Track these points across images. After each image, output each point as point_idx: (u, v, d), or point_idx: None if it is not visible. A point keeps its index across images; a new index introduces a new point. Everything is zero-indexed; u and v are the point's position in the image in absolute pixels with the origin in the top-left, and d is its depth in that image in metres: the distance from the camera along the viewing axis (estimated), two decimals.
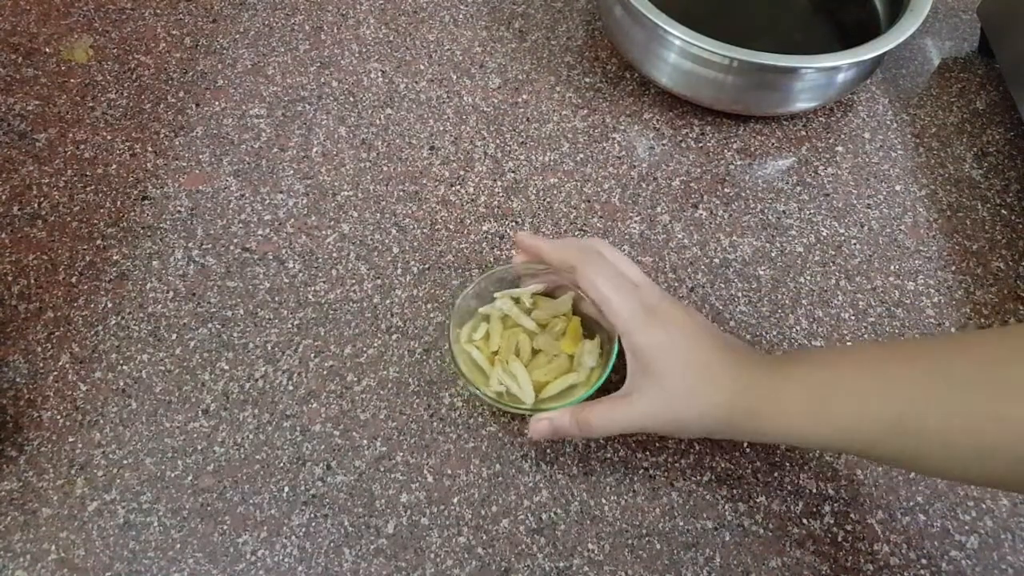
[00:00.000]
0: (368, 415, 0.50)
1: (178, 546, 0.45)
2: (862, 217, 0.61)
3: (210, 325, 0.53)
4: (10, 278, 0.55)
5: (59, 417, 0.49)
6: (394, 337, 0.53)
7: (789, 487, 0.48)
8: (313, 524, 0.46)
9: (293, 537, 0.46)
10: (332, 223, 0.59)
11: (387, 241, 0.58)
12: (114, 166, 0.61)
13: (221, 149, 0.62)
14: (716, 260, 0.58)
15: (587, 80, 0.69)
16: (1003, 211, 0.62)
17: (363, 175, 0.61)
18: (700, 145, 0.65)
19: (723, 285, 0.57)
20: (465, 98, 0.67)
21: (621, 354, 0.47)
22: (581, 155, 0.63)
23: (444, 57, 0.70)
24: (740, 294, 0.57)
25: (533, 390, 0.48)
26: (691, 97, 0.65)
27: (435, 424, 0.50)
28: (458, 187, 0.61)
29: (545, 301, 0.52)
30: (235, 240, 0.57)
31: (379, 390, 0.51)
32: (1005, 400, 0.34)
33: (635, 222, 0.60)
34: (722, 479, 0.49)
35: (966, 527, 0.48)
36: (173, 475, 0.47)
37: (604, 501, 0.48)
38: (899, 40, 0.59)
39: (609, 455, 0.49)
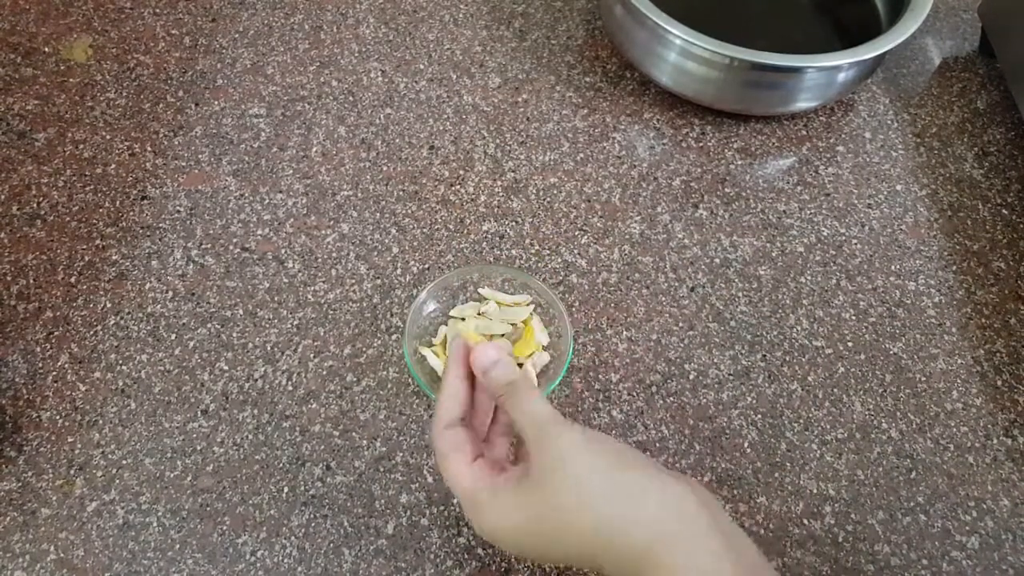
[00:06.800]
0: (368, 415, 0.50)
1: (177, 546, 0.45)
2: (863, 217, 0.61)
3: (209, 325, 0.53)
4: (9, 278, 0.55)
5: (58, 417, 0.49)
6: (394, 337, 0.53)
7: (790, 487, 0.48)
8: (312, 525, 0.46)
9: (292, 538, 0.45)
10: (332, 223, 0.58)
11: (387, 241, 0.58)
12: (113, 166, 0.61)
13: (220, 149, 0.62)
14: (717, 260, 0.58)
15: (587, 79, 0.69)
16: (1004, 211, 0.62)
17: (363, 175, 0.61)
18: (700, 145, 0.65)
19: (723, 285, 0.57)
20: (465, 98, 0.67)
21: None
22: (581, 155, 0.63)
23: (444, 56, 0.69)
24: (741, 294, 0.57)
25: None
26: (692, 96, 0.65)
27: None
28: (458, 187, 0.61)
29: (505, 310, 0.52)
30: (234, 240, 0.57)
31: (379, 390, 0.51)
32: None
33: (635, 222, 0.60)
34: (722, 479, 0.48)
35: (967, 527, 0.47)
36: (172, 475, 0.47)
37: None
38: (900, 39, 0.59)
39: None
